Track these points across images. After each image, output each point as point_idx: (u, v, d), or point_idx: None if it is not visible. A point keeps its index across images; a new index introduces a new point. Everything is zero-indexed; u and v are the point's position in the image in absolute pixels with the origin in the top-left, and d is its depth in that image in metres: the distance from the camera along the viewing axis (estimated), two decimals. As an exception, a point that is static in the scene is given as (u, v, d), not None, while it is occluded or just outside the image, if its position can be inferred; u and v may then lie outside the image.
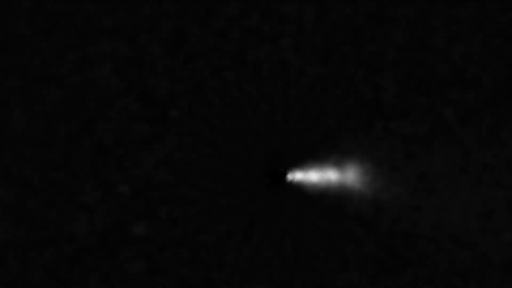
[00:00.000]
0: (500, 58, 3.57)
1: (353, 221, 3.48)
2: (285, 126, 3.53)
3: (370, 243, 3.46)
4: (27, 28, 3.52)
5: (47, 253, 3.40)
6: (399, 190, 3.49)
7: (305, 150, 3.53)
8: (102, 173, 3.45)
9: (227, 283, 3.44)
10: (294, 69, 3.54)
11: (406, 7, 3.58)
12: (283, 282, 3.45)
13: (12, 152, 3.45)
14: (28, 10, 3.53)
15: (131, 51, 3.53)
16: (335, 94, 3.54)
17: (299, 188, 3.52)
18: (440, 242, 3.47)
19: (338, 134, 3.52)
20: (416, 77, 3.55)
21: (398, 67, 3.55)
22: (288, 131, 3.53)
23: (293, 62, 3.55)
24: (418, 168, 3.50)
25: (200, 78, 3.53)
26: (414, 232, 3.47)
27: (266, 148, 3.53)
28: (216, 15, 3.56)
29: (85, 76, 3.50)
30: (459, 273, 3.45)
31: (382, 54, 3.56)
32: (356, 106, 3.53)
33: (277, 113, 3.53)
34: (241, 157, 3.51)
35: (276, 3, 3.57)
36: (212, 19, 3.56)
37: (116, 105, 3.49)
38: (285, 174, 3.53)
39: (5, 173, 3.44)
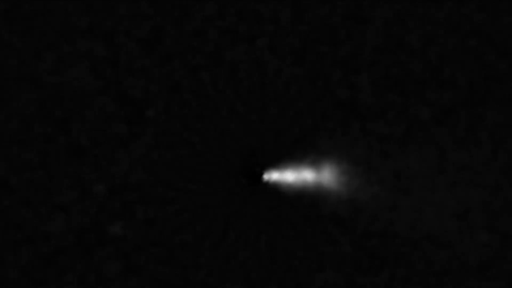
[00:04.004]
0: (475, 58, 3.57)
1: (330, 221, 3.48)
2: (261, 126, 3.53)
3: (347, 243, 3.46)
4: (2, 27, 3.52)
5: (23, 253, 3.39)
6: (376, 190, 3.50)
7: (282, 150, 3.53)
8: (78, 173, 3.45)
9: (204, 283, 3.43)
10: (270, 69, 3.55)
11: (382, 7, 3.59)
12: (260, 282, 3.45)
13: (-13, 151, 3.45)
14: (4, 10, 3.53)
15: (107, 51, 3.53)
16: (311, 94, 3.54)
17: (275, 188, 3.52)
18: (416, 242, 3.47)
19: (314, 134, 3.52)
20: (392, 77, 3.55)
21: (374, 67, 3.55)
22: (264, 131, 3.53)
23: (269, 62, 3.55)
24: (394, 168, 3.50)
25: (176, 78, 3.53)
26: (390, 232, 3.48)
27: (242, 148, 3.53)
28: (192, 15, 3.56)
29: (61, 76, 3.50)
30: (436, 273, 3.46)
31: (358, 54, 3.56)
32: (332, 106, 3.53)
33: (253, 113, 3.53)
34: (218, 157, 3.51)
35: (252, 3, 3.57)
36: (188, 19, 3.56)
37: (92, 105, 3.49)
38: (261, 174, 3.53)
39: (-20, 173, 3.44)
